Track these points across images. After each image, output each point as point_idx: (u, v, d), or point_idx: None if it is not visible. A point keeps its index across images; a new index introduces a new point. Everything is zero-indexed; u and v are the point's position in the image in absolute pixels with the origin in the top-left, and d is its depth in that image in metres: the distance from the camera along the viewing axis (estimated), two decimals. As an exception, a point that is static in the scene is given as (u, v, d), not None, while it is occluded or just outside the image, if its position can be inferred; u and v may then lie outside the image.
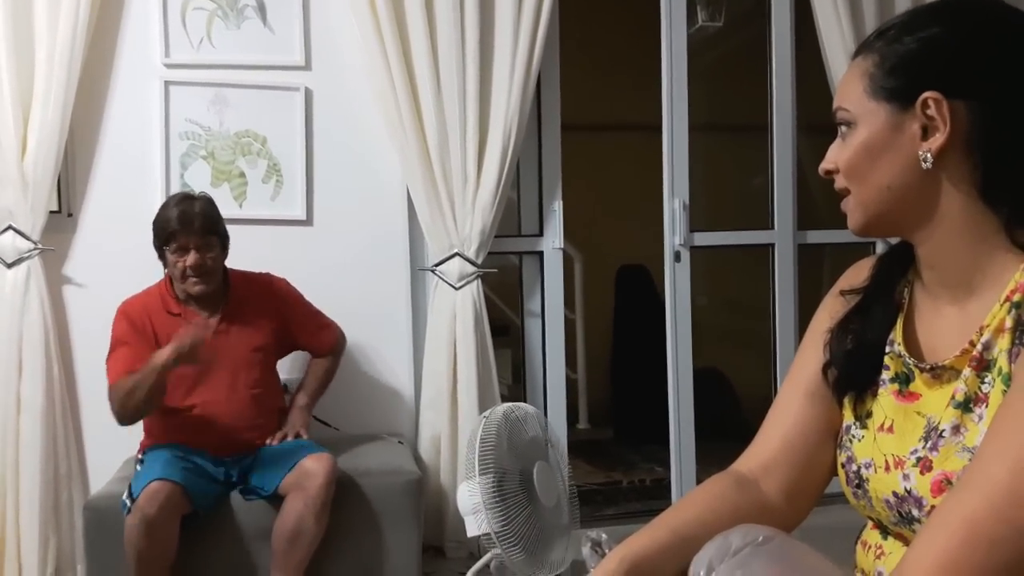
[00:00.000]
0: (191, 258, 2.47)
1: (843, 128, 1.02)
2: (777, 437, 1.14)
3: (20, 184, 2.68)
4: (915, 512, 0.95)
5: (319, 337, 2.77)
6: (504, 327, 4.12)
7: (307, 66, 2.99)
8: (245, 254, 2.71)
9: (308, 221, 3.01)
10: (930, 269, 1.01)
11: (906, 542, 0.99)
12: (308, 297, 2.77)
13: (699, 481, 1.94)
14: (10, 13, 2.66)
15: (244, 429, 2.52)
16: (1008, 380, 0.90)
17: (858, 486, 1.04)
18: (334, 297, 2.87)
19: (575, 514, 2.45)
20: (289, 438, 2.55)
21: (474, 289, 2.97)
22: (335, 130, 3.02)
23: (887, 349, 1.05)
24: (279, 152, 2.98)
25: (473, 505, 2.18)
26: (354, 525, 2.48)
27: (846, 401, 1.09)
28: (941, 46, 0.95)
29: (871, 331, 1.06)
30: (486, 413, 2.32)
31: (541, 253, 3.24)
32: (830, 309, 1.13)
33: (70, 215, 2.85)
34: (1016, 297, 0.91)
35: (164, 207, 2.52)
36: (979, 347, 0.94)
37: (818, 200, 3.68)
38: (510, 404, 2.38)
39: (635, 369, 4.61)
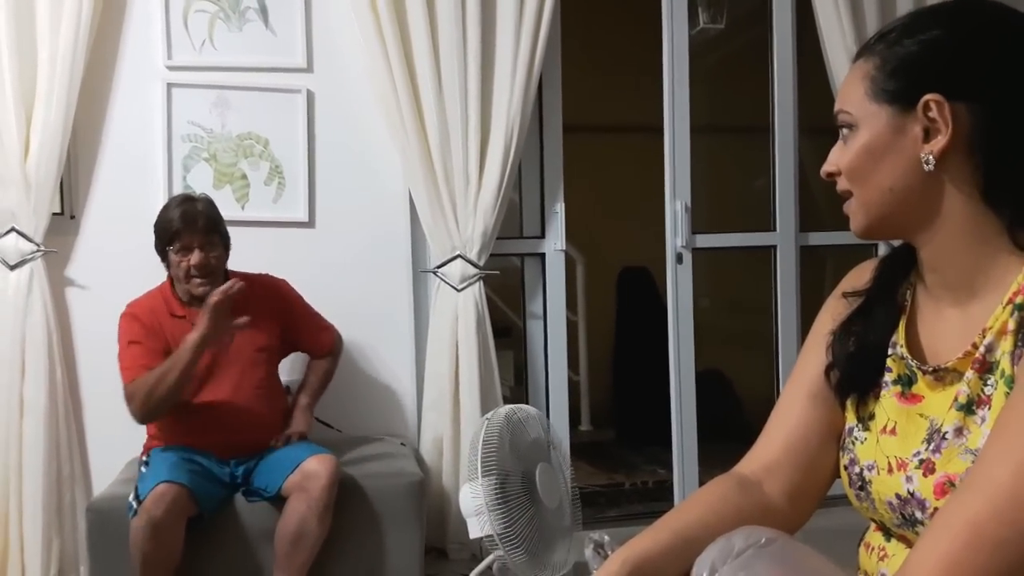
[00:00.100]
0: (195, 257, 2.47)
1: (845, 131, 1.02)
2: (779, 439, 1.14)
3: (23, 186, 2.68)
4: (918, 514, 0.95)
5: (319, 339, 2.77)
6: (506, 329, 4.11)
7: (309, 68, 2.99)
8: (247, 256, 2.71)
9: (310, 223, 3.01)
10: (932, 271, 1.02)
11: (909, 544, 0.99)
12: (310, 299, 2.77)
13: (702, 483, 1.95)
14: (13, 14, 2.67)
15: (251, 429, 2.52)
16: (1011, 382, 0.90)
17: (861, 488, 1.04)
18: (336, 299, 2.87)
19: (577, 516, 2.45)
20: (293, 439, 2.54)
21: (476, 291, 2.97)
22: (337, 132, 3.02)
23: (889, 351, 1.05)
24: (281, 154, 2.98)
25: (475, 507, 2.18)
26: (356, 527, 2.48)
27: (848, 403, 1.09)
28: (942, 48, 0.95)
29: (873, 333, 1.06)
30: (488, 415, 2.32)
31: (543, 255, 3.24)
32: (832, 311, 1.13)
33: (73, 217, 2.85)
34: (1019, 299, 0.91)
35: (165, 208, 2.53)
36: (982, 349, 0.94)
37: (820, 202, 3.68)
38: (512, 406, 2.37)
39: (637, 371, 4.61)
